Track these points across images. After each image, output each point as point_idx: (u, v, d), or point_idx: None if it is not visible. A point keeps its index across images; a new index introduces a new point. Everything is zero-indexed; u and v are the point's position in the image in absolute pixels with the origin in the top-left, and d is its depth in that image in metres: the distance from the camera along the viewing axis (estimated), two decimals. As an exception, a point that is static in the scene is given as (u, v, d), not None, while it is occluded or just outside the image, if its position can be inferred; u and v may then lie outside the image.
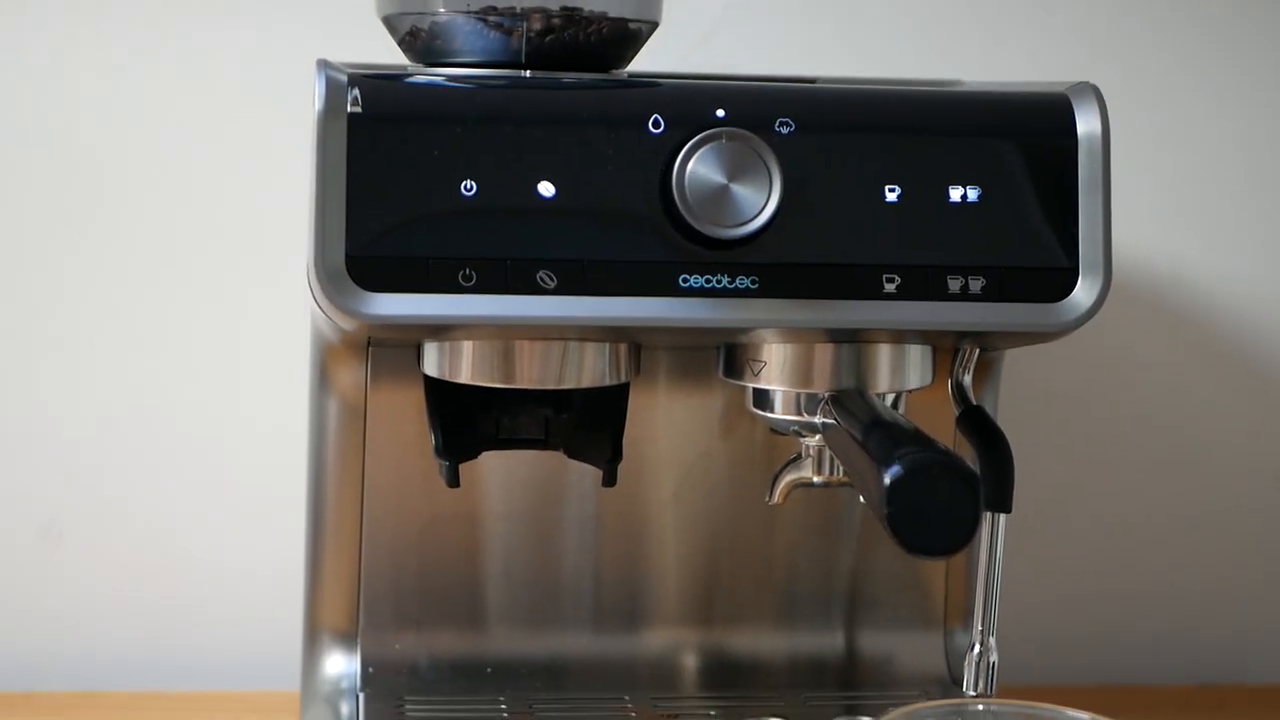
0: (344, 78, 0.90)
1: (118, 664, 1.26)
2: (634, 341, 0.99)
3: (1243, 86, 1.31)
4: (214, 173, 1.24)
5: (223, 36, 1.23)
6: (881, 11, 1.28)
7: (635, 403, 1.05)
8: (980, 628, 0.99)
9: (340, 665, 1.09)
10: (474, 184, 0.90)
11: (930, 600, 1.13)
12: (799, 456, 1.03)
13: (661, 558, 1.12)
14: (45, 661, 1.26)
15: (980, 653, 0.99)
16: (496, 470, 1.09)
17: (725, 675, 1.12)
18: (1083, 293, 0.94)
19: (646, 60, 1.02)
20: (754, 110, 0.91)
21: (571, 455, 1.05)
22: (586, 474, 1.06)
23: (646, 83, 0.93)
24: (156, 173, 1.24)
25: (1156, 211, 1.30)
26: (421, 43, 0.99)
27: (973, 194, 0.93)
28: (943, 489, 0.82)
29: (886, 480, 0.82)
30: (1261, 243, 1.32)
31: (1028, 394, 1.26)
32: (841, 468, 1.01)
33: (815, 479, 1.03)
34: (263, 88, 1.23)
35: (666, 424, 1.11)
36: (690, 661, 1.13)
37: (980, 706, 0.87)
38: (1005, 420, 1.02)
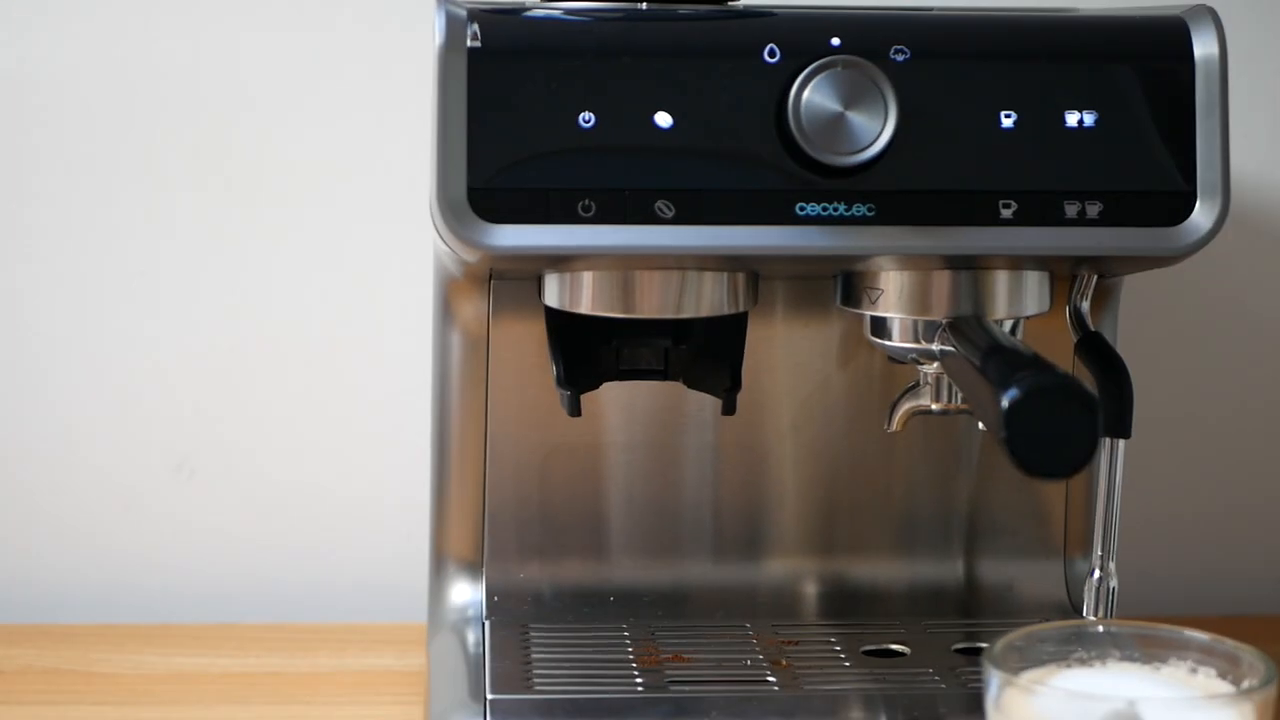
0: (463, 13, 0.91)
1: (250, 597, 1.28)
2: (751, 270, 1.00)
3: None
4: (334, 109, 1.25)
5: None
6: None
7: (753, 333, 1.05)
8: (1100, 553, 0.99)
9: (466, 594, 1.11)
10: (592, 116, 0.91)
11: (1050, 528, 1.13)
12: (917, 384, 1.03)
13: (781, 486, 1.13)
14: (178, 595, 1.28)
15: (1100, 578, 0.99)
16: (617, 400, 1.10)
17: (845, 603, 1.13)
18: (1201, 216, 0.93)
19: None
20: (869, 38, 0.92)
21: (691, 385, 1.06)
22: (706, 403, 1.07)
23: (761, 12, 0.94)
24: (276, 111, 1.25)
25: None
26: (539, -22, 1.00)
27: (1089, 119, 0.93)
28: (1061, 411, 0.82)
29: (1005, 403, 0.82)
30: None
31: (1147, 323, 1.26)
32: (960, 395, 1.01)
33: (934, 406, 1.03)
34: (383, 23, 1.24)
35: (784, 354, 1.11)
36: (810, 590, 1.13)
37: (1100, 629, 0.87)
38: (1124, 348, 1.02)
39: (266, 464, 1.28)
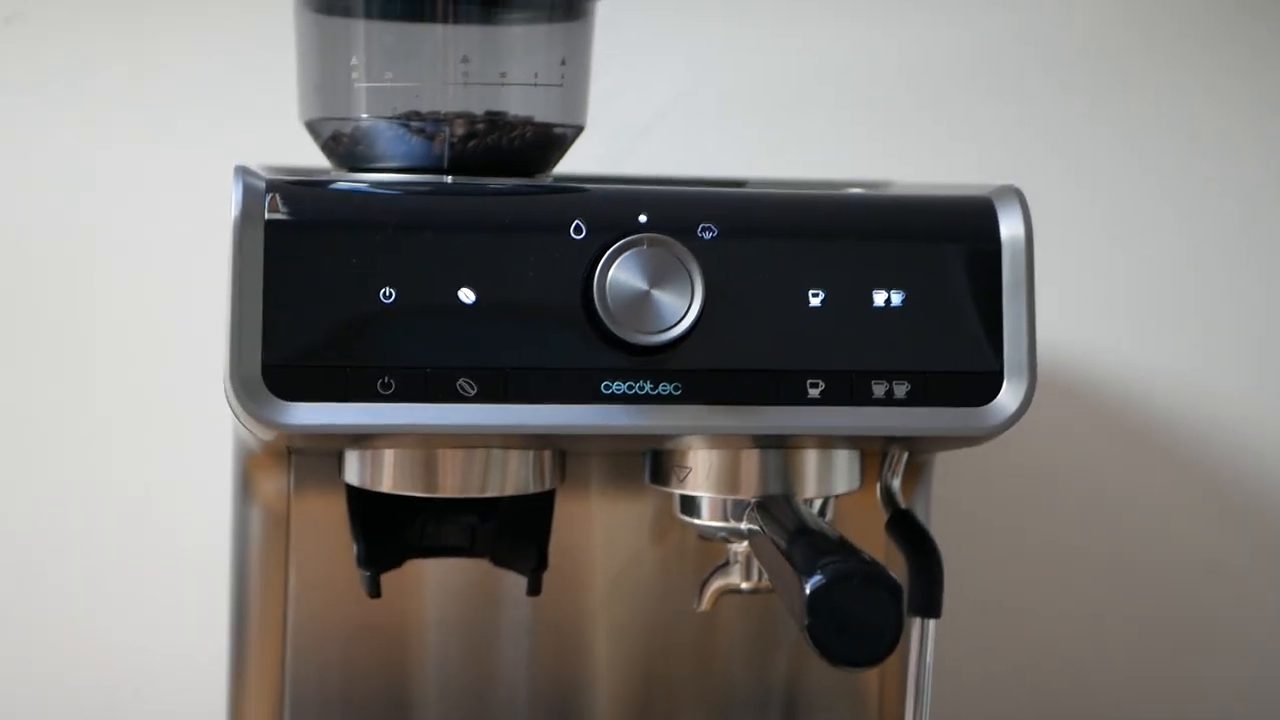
0: (261, 184, 0.89)
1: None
2: (558, 448, 0.98)
3: (1183, 179, 1.32)
4: (137, 277, 1.24)
5: (155, 132, 1.23)
6: (817, 113, 1.28)
7: (566, 508, 1.04)
8: (912, 734, 0.98)
9: (265, 779, 1.08)
10: (393, 291, 0.89)
11: (865, 706, 1.12)
12: (727, 562, 1.02)
13: (595, 665, 1.11)
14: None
15: (913, 760, 0.98)
16: (425, 577, 1.08)
17: (661, 784, 1.11)
18: (1008, 396, 0.93)
19: (575, 161, 1.02)
20: (676, 215, 0.90)
21: (497, 563, 1.03)
22: (518, 581, 1.05)
23: (569, 188, 0.93)
24: (79, 277, 1.23)
25: (1086, 304, 1.30)
26: (344, 147, 0.98)
27: (896, 298, 0.92)
28: (865, 599, 0.81)
29: (807, 590, 0.81)
30: (1188, 334, 1.32)
31: (960, 496, 1.25)
32: (769, 574, 1.00)
33: (743, 585, 1.01)
34: (191, 193, 1.22)
35: (599, 530, 1.10)
36: (626, 769, 1.11)
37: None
38: (938, 523, 1.01)
39: (64, 633, 1.25)
